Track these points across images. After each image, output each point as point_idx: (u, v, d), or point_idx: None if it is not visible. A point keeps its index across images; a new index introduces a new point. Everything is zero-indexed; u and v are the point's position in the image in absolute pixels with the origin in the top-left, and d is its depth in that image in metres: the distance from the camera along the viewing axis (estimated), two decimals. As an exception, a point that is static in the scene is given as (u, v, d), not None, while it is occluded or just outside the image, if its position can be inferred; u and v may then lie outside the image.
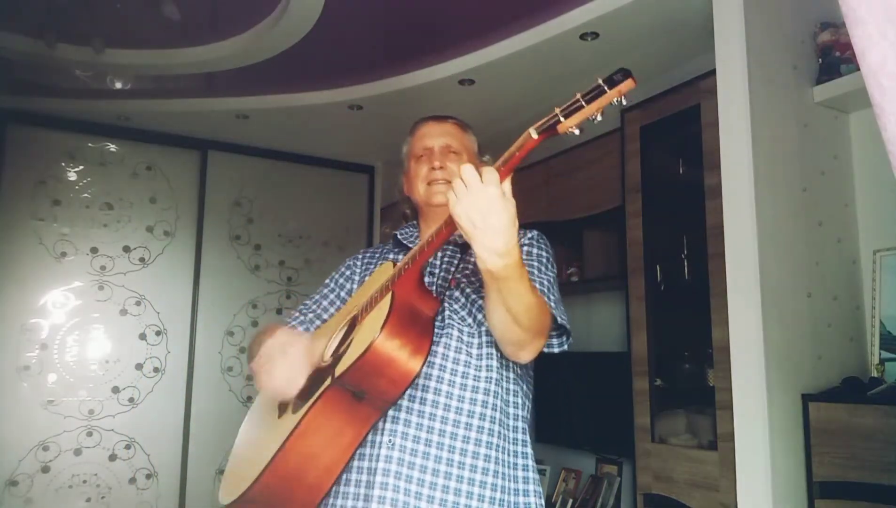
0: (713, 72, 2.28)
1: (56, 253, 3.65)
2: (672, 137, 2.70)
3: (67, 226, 3.70)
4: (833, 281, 2.22)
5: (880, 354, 2.14)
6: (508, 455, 1.28)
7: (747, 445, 2.03)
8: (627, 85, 0.93)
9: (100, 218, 3.78)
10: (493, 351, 1.29)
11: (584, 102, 0.95)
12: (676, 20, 2.62)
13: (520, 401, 1.36)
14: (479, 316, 1.29)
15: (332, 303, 1.49)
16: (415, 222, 1.53)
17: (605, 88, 0.93)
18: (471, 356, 1.28)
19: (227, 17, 2.90)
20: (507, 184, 1.02)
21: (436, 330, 1.23)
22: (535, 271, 1.32)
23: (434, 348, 1.25)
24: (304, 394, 1.18)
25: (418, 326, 1.13)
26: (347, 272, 1.52)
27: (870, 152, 2.32)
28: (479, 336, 1.29)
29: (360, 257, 1.54)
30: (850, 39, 0.71)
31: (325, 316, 1.46)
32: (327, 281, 1.53)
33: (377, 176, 4.62)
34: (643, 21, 2.63)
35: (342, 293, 1.49)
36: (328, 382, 1.13)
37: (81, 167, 3.78)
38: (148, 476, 3.71)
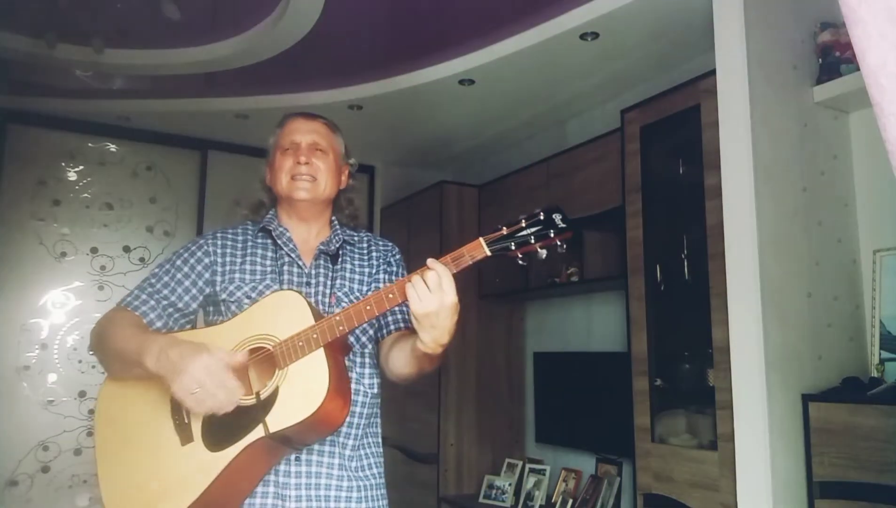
0: (713, 72, 2.28)
1: (56, 253, 3.65)
2: (672, 137, 2.70)
3: (67, 226, 3.70)
4: (833, 281, 2.22)
5: (880, 354, 2.14)
6: (377, 446, 1.47)
7: (747, 445, 2.03)
8: (566, 235, 1.13)
9: (100, 218, 3.78)
10: (375, 370, 1.45)
11: (531, 238, 1.13)
12: (676, 20, 2.62)
13: (378, 402, 1.49)
14: (363, 338, 1.44)
15: (186, 290, 1.39)
16: (274, 211, 1.53)
17: (550, 232, 1.12)
18: (357, 375, 1.40)
19: (227, 17, 2.90)
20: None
21: None
22: None
23: None
24: (211, 427, 1.22)
25: (345, 379, 1.25)
26: (206, 260, 1.41)
27: (870, 152, 2.31)
28: (363, 356, 1.43)
29: (218, 241, 1.44)
30: (850, 39, 0.71)
31: (179, 304, 1.38)
32: (178, 263, 1.42)
33: (377, 176, 4.62)
34: (643, 21, 2.63)
35: (199, 283, 1.40)
36: (259, 433, 1.18)
37: (81, 167, 3.78)
38: (148, 476, 3.71)
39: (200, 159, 4.06)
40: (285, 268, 1.43)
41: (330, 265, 1.45)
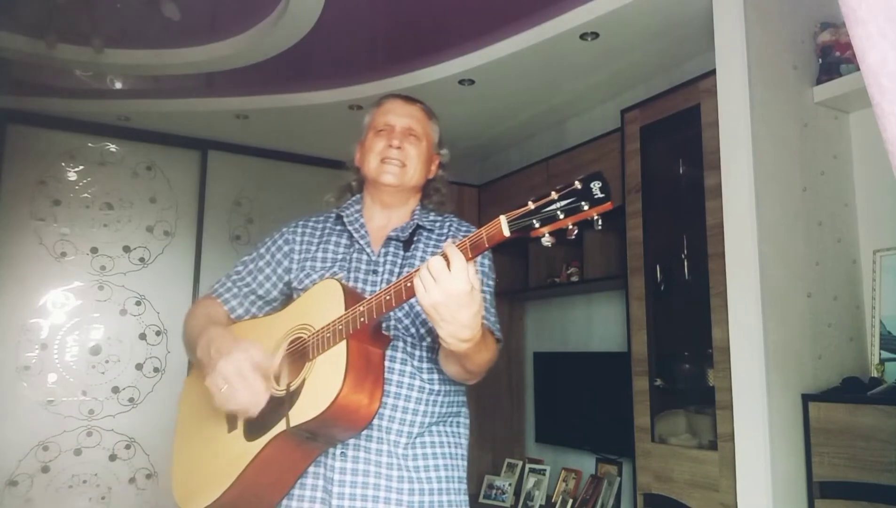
0: (713, 72, 2.28)
1: (56, 253, 3.65)
2: (672, 137, 2.70)
3: (67, 226, 3.70)
4: (833, 281, 2.22)
5: (880, 354, 2.14)
6: (454, 449, 1.38)
7: (747, 445, 2.03)
8: (605, 207, 0.90)
9: (100, 218, 3.78)
10: (435, 365, 1.32)
11: (560, 213, 0.91)
12: (676, 20, 2.62)
13: (459, 399, 1.42)
14: (422, 330, 1.32)
15: (267, 278, 1.43)
16: (359, 196, 1.49)
17: (584, 204, 0.90)
18: (414, 368, 1.31)
19: (227, 17, 2.90)
20: (473, 268, 1.00)
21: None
22: (482, 287, 1.33)
23: None
24: (258, 415, 1.20)
25: (372, 373, 1.15)
26: (286, 248, 1.44)
27: (870, 152, 2.32)
28: (421, 349, 1.33)
29: (298, 229, 1.46)
30: (850, 39, 0.71)
31: (259, 291, 1.43)
32: (262, 251, 1.46)
33: (377, 176, 4.61)
34: (643, 21, 2.63)
35: (279, 270, 1.43)
36: (282, 426, 1.15)
37: (81, 167, 3.78)
38: (148, 476, 3.71)
39: (200, 159, 4.06)
40: (354, 256, 1.38)
41: (401, 252, 1.38)
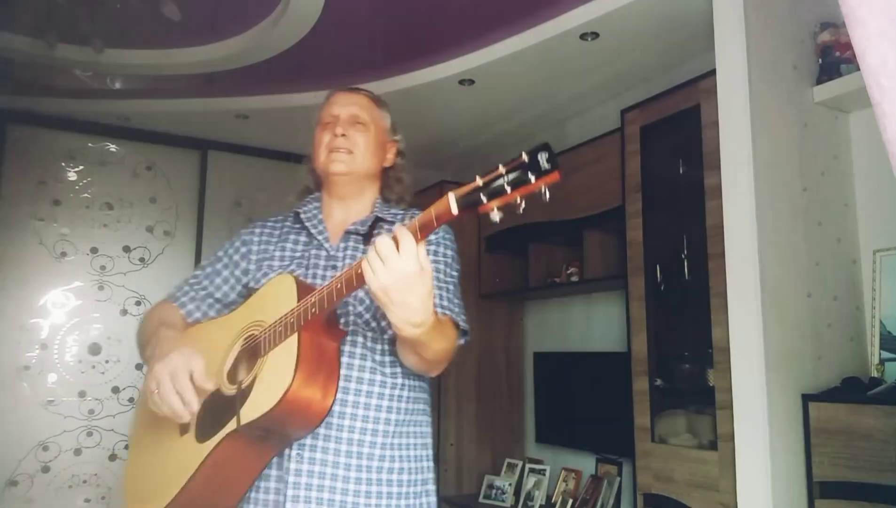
0: (713, 72, 2.28)
1: (56, 253, 3.65)
2: (672, 137, 2.70)
3: (67, 226, 3.70)
4: (833, 281, 2.22)
5: (880, 354, 2.14)
6: (413, 449, 1.32)
7: (747, 445, 2.03)
8: (552, 177, 0.88)
9: (100, 218, 3.78)
10: (398, 359, 1.28)
11: (507, 187, 0.88)
12: (676, 20, 2.62)
13: (423, 396, 1.37)
14: (383, 323, 1.27)
15: (225, 280, 1.41)
16: (318, 194, 1.48)
17: (531, 176, 0.87)
18: (375, 363, 1.28)
19: (227, 17, 2.90)
20: (423, 249, 0.96)
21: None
22: (441, 275, 1.32)
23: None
24: (206, 418, 1.18)
25: (325, 367, 1.12)
26: (243, 250, 1.42)
27: (870, 152, 2.31)
28: (383, 343, 1.29)
29: (256, 229, 1.45)
30: (850, 39, 0.71)
31: (217, 294, 1.41)
32: (219, 254, 1.45)
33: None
34: (643, 21, 2.63)
35: (237, 272, 1.41)
36: (232, 426, 1.11)
37: (81, 167, 3.78)
38: (148, 476, 3.71)
39: (200, 159, 4.06)
40: (313, 252, 1.36)
41: (360, 246, 1.36)
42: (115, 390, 3.69)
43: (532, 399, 3.77)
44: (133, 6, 2.68)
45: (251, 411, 1.10)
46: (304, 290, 1.16)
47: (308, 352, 1.09)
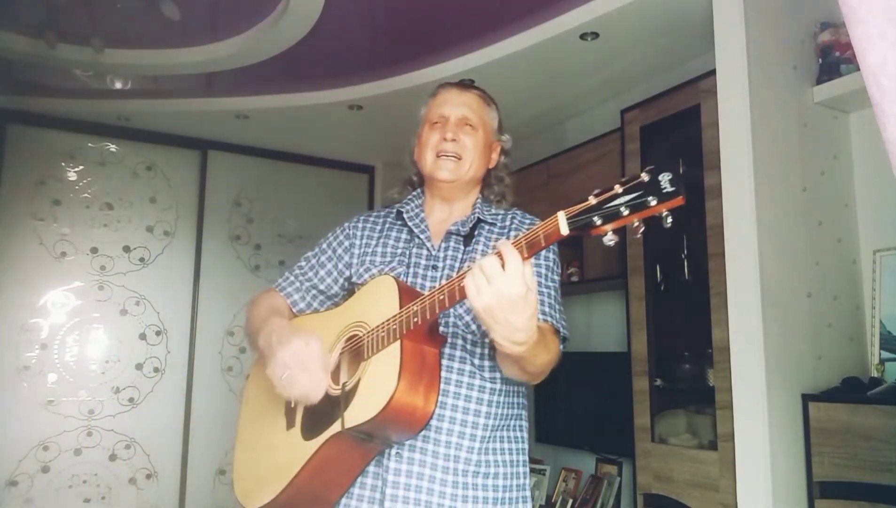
0: (713, 72, 2.28)
1: (56, 253, 3.65)
2: (672, 137, 2.70)
3: (67, 226, 3.70)
4: (833, 281, 2.22)
5: (880, 354, 2.14)
6: (510, 454, 1.31)
7: (747, 445, 2.03)
8: (676, 202, 0.81)
9: (100, 218, 3.78)
10: (496, 363, 1.26)
11: (624, 210, 0.83)
12: (676, 20, 2.62)
13: (520, 401, 1.36)
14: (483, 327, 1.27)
15: (328, 273, 1.43)
16: (420, 190, 1.46)
17: (651, 200, 0.81)
18: (474, 366, 1.27)
19: (227, 17, 2.90)
20: (529, 269, 0.92)
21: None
22: (543, 280, 1.31)
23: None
24: (310, 416, 1.21)
25: (427, 374, 1.11)
26: (346, 243, 1.43)
27: (870, 152, 2.31)
28: (482, 347, 1.28)
29: (359, 224, 1.45)
30: (850, 39, 0.71)
31: (320, 286, 1.43)
32: (323, 246, 1.46)
33: (377, 176, 4.62)
34: (643, 21, 2.63)
35: (340, 265, 1.43)
36: (337, 427, 1.14)
37: (81, 167, 3.78)
38: (148, 476, 3.71)
39: (200, 159, 4.06)
40: (414, 250, 1.35)
41: (461, 247, 1.34)
42: (116, 390, 3.68)
43: (532, 399, 3.76)
44: (133, 6, 2.68)
45: (355, 415, 1.12)
46: (404, 292, 1.16)
47: (410, 360, 1.09)
